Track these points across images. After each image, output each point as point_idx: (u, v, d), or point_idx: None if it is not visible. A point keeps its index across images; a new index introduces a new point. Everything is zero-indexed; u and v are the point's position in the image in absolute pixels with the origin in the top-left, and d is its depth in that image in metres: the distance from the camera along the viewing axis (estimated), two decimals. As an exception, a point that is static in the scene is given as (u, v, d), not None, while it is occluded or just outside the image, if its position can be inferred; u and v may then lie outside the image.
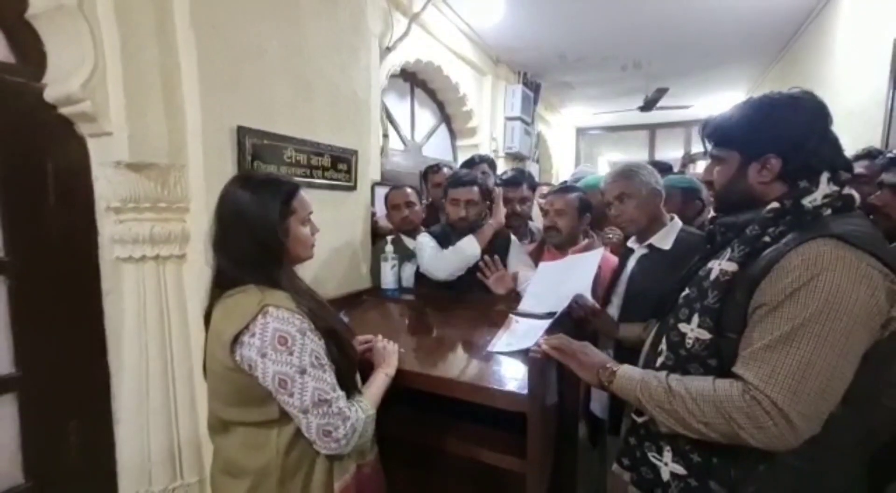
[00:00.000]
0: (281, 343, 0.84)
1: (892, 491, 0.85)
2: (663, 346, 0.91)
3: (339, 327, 0.97)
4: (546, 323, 1.25)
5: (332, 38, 1.68)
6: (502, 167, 4.15)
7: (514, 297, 1.62)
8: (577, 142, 8.21)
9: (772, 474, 0.78)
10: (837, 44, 2.89)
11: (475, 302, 1.58)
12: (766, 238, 0.80)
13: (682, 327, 0.87)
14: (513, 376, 1.09)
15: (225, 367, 0.88)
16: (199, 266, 1.27)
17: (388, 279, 1.77)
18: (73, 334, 1.21)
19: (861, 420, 0.76)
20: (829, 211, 0.78)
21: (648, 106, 5.49)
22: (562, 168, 7.19)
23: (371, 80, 1.94)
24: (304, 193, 1.01)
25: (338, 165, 1.74)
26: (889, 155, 1.14)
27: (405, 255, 1.88)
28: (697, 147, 8.11)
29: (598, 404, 1.59)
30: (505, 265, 1.71)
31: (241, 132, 1.33)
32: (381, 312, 1.66)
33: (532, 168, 5.00)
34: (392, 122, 2.98)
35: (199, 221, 1.27)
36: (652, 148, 7.88)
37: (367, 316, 1.61)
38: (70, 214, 1.19)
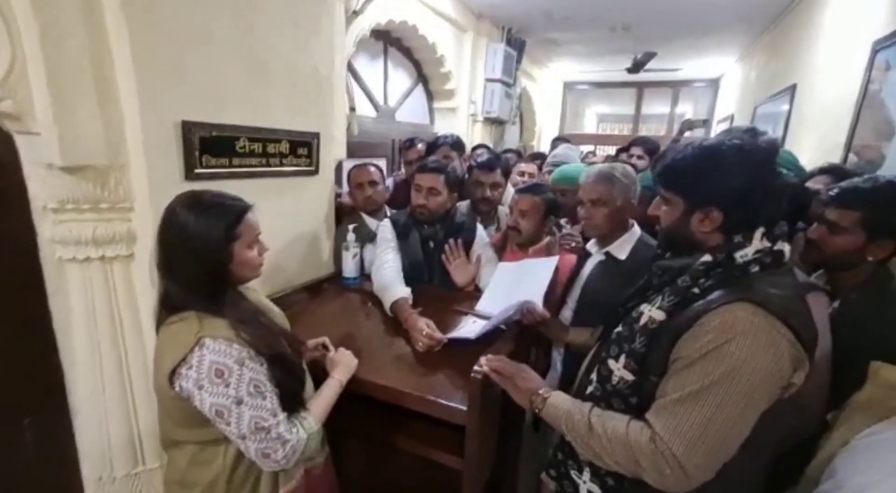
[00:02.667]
0: (217, 376, 0.86)
1: None
2: (594, 376, 0.97)
3: (283, 351, 0.98)
4: (497, 319, 1.29)
5: (289, 10, 1.54)
6: (480, 132, 4.05)
7: (474, 293, 1.65)
8: (563, 96, 8.00)
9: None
10: (822, 34, 2.81)
11: (435, 298, 1.61)
12: (696, 289, 0.84)
13: (611, 363, 0.92)
14: (459, 387, 1.14)
15: (168, 395, 0.90)
16: (147, 264, 1.24)
17: (348, 268, 1.77)
18: (18, 335, 1.20)
19: (755, 461, 0.85)
20: (757, 267, 0.81)
21: (636, 68, 5.34)
22: (546, 125, 7.05)
23: (335, 53, 1.81)
24: (252, 215, 0.98)
25: (297, 150, 1.67)
26: (832, 191, 1.16)
27: (368, 237, 1.87)
28: (684, 107, 8.04)
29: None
30: (468, 254, 1.73)
31: (187, 126, 1.25)
32: (339, 304, 1.68)
33: (511, 132, 4.89)
34: (362, 87, 2.82)
35: (145, 221, 1.23)
36: (639, 104, 7.76)
37: (325, 310, 1.63)
38: (2, 215, 1.13)
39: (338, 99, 1.90)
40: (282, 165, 1.61)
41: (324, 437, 1.16)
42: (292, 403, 0.99)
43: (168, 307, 0.94)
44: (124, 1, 1.08)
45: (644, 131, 7.77)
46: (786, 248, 0.84)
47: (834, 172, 1.56)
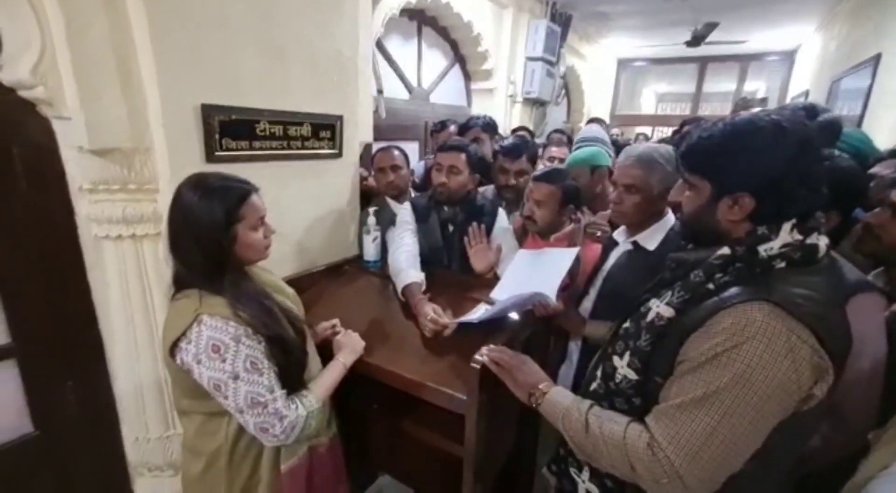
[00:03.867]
0: (214, 351, 0.89)
1: None
2: (598, 373, 0.92)
3: (283, 332, 1.00)
4: (503, 304, 1.25)
5: (310, -8, 1.54)
6: (519, 114, 3.92)
7: (492, 280, 1.61)
8: (617, 74, 7.56)
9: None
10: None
11: (451, 284, 1.58)
12: (710, 285, 0.76)
13: (616, 360, 0.86)
14: (462, 376, 1.11)
15: (172, 367, 0.94)
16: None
17: (369, 251, 1.78)
18: (61, 306, 1.31)
19: (770, 474, 0.76)
20: (783, 264, 0.72)
21: (696, 41, 4.92)
22: (596, 106, 6.71)
23: (359, 34, 1.79)
24: (257, 197, 1.00)
25: (319, 133, 1.68)
26: (897, 172, 1.00)
27: (391, 221, 1.86)
28: (754, 84, 7.36)
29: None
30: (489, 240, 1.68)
31: (206, 110, 1.28)
32: (358, 286, 1.70)
33: (555, 113, 4.69)
34: (394, 68, 2.79)
35: (169, 201, 1.29)
36: (701, 82, 7.22)
37: (344, 291, 1.65)
38: (44, 195, 1.23)
39: (363, 81, 1.87)
40: (304, 148, 1.63)
41: (331, 417, 1.19)
42: (292, 381, 1.02)
43: (177, 284, 0.98)
44: (143, -11, 1.12)
45: (707, 111, 7.19)
46: (821, 242, 0.73)
47: (902, 156, 1.35)
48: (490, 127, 2.28)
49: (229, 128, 1.36)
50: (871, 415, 0.93)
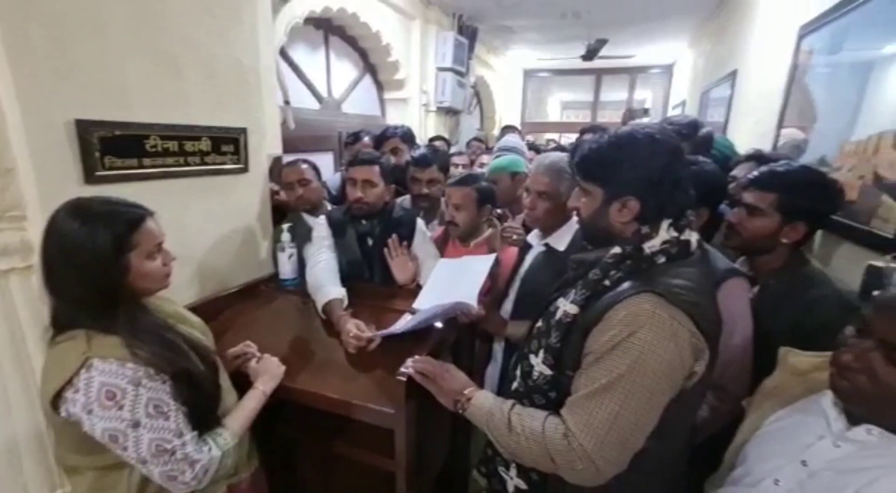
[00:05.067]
0: (108, 398, 0.79)
1: (709, 483, 0.97)
2: (518, 372, 0.96)
3: (190, 367, 0.92)
4: (424, 315, 1.26)
5: (202, -2, 1.44)
6: (434, 123, 3.99)
7: (414, 290, 1.62)
8: (524, 84, 8.00)
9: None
10: (757, 21, 2.88)
11: (373, 297, 1.57)
12: (606, 282, 0.83)
13: (532, 358, 0.91)
14: (389, 390, 1.10)
15: (55, 420, 0.83)
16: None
17: (285, 269, 1.71)
18: None
19: (668, 449, 0.85)
20: (663, 258, 0.81)
21: (590, 55, 5.37)
22: (506, 114, 7.04)
23: (260, 43, 1.71)
24: (153, 222, 0.91)
25: (221, 147, 1.58)
26: (751, 174, 1.18)
27: (307, 236, 1.80)
28: (642, 93, 8.19)
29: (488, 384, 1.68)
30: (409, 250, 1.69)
31: (82, 126, 1.15)
32: (275, 307, 1.62)
33: (468, 121, 4.85)
34: (301, 78, 2.70)
35: (41, 229, 1.13)
36: (598, 91, 7.86)
37: (259, 313, 1.56)
38: None
39: (267, 91, 1.79)
40: (204, 163, 1.52)
41: (251, 451, 1.11)
42: (205, 420, 0.94)
43: (57, 325, 0.86)
44: (-10, -12, 0.97)
45: (605, 118, 7.86)
46: (692, 237, 0.84)
47: (758, 158, 1.60)
48: (408, 137, 2.31)
49: (113, 144, 1.23)
50: (746, 383, 1.08)
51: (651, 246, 0.82)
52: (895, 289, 0.91)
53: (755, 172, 1.18)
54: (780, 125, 2.08)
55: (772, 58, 2.40)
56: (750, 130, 2.61)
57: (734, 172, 1.62)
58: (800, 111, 1.93)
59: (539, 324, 0.93)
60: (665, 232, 0.82)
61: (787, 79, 2.06)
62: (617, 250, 0.84)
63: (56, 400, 0.80)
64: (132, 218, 0.88)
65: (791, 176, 1.14)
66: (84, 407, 0.79)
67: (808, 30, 1.93)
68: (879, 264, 1.06)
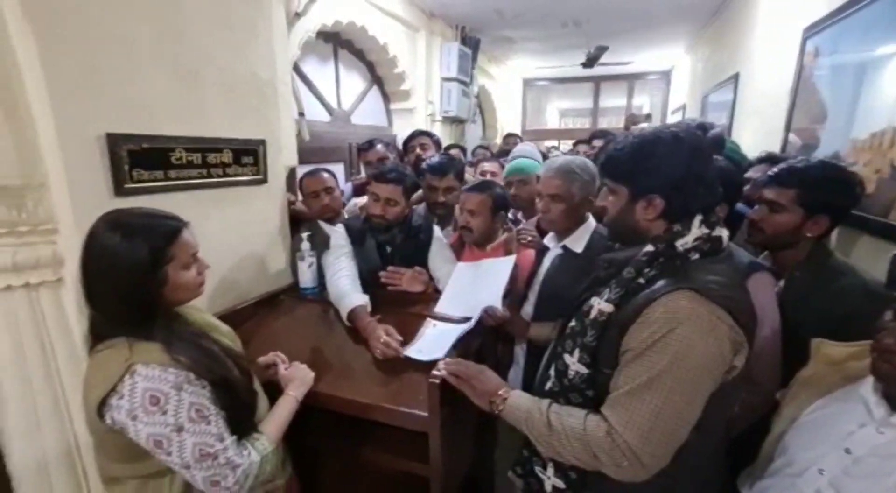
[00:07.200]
0: (153, 403, 0.80)
1: (745, 475, 0.97)
2: (552, 372, 0.97)
3: (228, 374, 0.93)
4: (457, 332, 1.28)
5: (221, 14, 1.48)
6: (440, 132, 4.03)
7: (433, 294, 1.62)
8: (524, 93, 8.08)
9: (636, 487, 0.86)
10: (759, 24, 2.92)
11: (394, 302, 1.57)
12: (641, 280, 0.84)
13: (567, 358, 0.91)
14: (420, 394, 1.11)
15: (100, 429, 0.83)
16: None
17: (305, 278, 1.71)
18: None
19: (708, 443, 0.85)
20: (697, 255, 0.83)
21: (590, 63, 5.44)
22: (507, 122, 7.10)
23: (276, 57, 1.75)
24: (189, 233, 0.92)
25: (242, 159, 1.60)
26: (770, 172, 1.20)
27: (326, 245, 1.81)
28: (640, 99, 8.27)
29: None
30: (426, 260, 1.70)
31: (112, 139, 1.17)
32: (297, 316, 1.62)
33: (472, 130, 4.89)
34: (313, 91, 2.74)
35: (72, 242, 1.13)
36: (597, 98, 7.93)
37: (282, 323, 1.57)
38: None
39: (283, 104, 1.82)
40: (225, 175, 1.54)
41: (285, 458, 1.11)
42: (242, 425, 0.94)
43: (96, 335, 0.87)
44: (26, 7, 1.00)
45: (604, 124, 7.93)
46: (724, 233, 0.85)
47: (771, 160, 1.62)
48: (437, 140, 2.37)
49: (140, 157, 1.25)
50: (777, 376, 1.08)
51: (684, 243, 0.83)
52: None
53: (774, 170, 1.20)
54: (789, 126, 2.10)
55: (776, 60, 2.43)
56: (756, 131, 2.64)
57: (749, 174, 1.64)
58: (808, 110, 1.96)
59: (573, 323, 0.94)
60: (697, 229, 0.83)
61: (794, 80, 2.09)
62: (650, 247, 0.85)
63: (101, 408, 0.81)
64: (169, 231, 0.89)
65: (810, 171, 1.15)
66: (129, 413, 0.80)
67: (812, 31, 1.97)
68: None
